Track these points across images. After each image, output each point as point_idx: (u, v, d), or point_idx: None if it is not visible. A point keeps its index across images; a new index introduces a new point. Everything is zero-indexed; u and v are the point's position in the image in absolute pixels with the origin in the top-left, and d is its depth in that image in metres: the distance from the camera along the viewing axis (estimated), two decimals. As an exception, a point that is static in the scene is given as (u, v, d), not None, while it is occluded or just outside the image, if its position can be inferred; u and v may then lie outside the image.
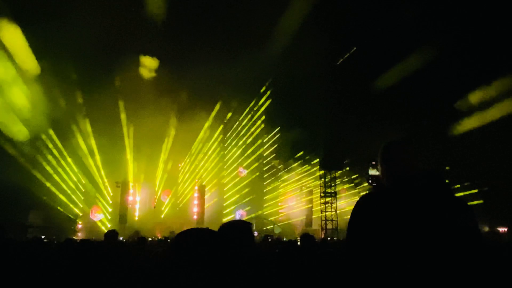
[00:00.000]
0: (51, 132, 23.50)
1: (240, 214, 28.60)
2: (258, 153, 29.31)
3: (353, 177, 26.82)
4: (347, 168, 26.24)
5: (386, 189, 1.94)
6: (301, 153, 28.36)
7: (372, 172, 18.98)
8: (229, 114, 29.39)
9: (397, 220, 1.74)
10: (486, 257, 2.18)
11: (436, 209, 1.79)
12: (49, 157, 23.39)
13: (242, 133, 29.35)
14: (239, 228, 2.23)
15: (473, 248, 2.04)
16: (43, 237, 14.74)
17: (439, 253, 1.67)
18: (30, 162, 22.09)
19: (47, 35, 19.08)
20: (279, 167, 29.73)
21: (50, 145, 23.56)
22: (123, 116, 25.63)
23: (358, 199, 1.91)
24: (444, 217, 1.78)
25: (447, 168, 21.76)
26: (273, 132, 29.53)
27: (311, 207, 27.62)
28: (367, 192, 2.04)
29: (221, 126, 29.46)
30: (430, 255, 1.66)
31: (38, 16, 18.98)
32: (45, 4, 18.69)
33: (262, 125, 29.24)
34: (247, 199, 28.61)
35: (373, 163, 14.94)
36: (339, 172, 25.79)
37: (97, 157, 25.58)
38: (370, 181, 18.95)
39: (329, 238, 19.93)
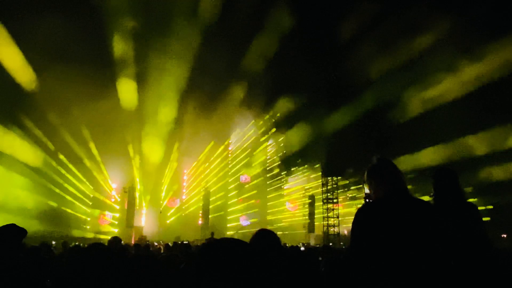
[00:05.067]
0: (61, 156, 24.34)
1: (244, 220, 29.11)
2: (263, 163, 29.98)
3: (352, 188, 27.24)
4: (349, 181, 26.60)
5: (382, 199, 2.13)
6: (305, 165, 28.85)
7: (368, 191, 19.44)
8: (233, 135, 30.12)
9: (397, 225, 1.91)
10: (488, 259, 2.52)
11: (432, 215, 1.99)
12: (56, 177, 24.10)
13: (247, 143, 30.06)
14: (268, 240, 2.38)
15: (475, 251, 2.35)
16: (54, 242, 15.32)
17: (439, 256, 1.85)
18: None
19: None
20: (282, 174, 30.27)
21: (59, 168, 24.34)
22: (128, 128, 26.07)
23: (359, 207, 2.13)
24: (441, 222, 1.96)
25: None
26: (279, 140, 30.16)
27: (314, 213, 27.94)
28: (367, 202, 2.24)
29: (228, 140, 30.20)
30: (429, 257, 1.83)
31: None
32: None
33: (267, 135, 30.08)
34: (253, 210, 29.20)
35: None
36: (343, 182, 26.29)
37: (102, 165, 26.34)
38: (367, 200, 19.19)
39: (331, 244, 20.26)
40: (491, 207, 22.41)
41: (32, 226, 19.64)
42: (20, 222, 3.03)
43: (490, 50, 19.07)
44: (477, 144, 21.09)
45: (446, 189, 2.86)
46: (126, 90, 24.12)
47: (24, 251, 2.93)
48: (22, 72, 20.51)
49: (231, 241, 1.33)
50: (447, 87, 20.38)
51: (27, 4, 19.08)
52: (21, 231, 3.07)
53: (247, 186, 29.68)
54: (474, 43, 18.87)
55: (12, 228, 3.05)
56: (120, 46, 22.75)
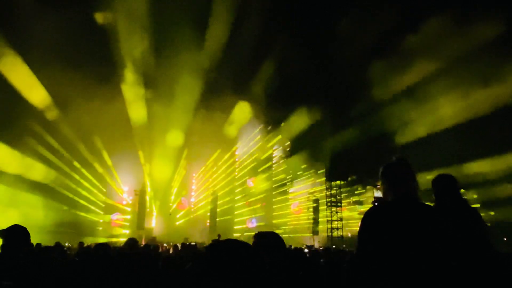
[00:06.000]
0: (75, 163, 25.36)
1: (252, 222, 29.88)
2: (269, 168, 30.74)
3: (356, 192, 27.74)
4: (350, 188, 27.14)
5: (389, 202, 2.13)
6: (310, 170, 29.47)
7: (377, 194, 20.28)
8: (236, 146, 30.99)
9: (398, 227, 1.94)
10: (491, 263, 2.55)
11: (437, 219, 2.00)
12: (71, 183, 25.17)
13: (254, 149, 30.84)
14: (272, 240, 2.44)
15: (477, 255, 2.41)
16: (67, 244, 16.22)
17: (441, 259, 1.86)
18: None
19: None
20: (288, 178, 31.01)
21: (73, 173, 25.42)
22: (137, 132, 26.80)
23: (366, 210, 2.14)
24: (444, 225, 1.96)
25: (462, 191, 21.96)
26: (285, 145, 30.92)
27: (318, 216, 28.52)
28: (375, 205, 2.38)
29: (235, 147, 31.03)
30: (431, 260, 1.85)
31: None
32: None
33: (273, 141, 30.92)
34: (259, 213, 29.97)
35: (378, 186, 15.57)
36: (347, 188, 26.92)
37: (114, 171, 27.37)
38: (374, 203, 19.77)
39: (334, 246, 20.81)
40: (492, 213, 22.74)
41: (50, 238, 20.67)
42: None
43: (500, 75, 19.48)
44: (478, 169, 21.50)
45: (445, 192, 2.93)
46: (137, 101, 25.16)
47: (25, 250, 3.11)
48: (34, 89, 21.43)
49: (234, 242, 1.35)
50: (456, 111, 20.74)
51: (38, 19, 19.54)
52: (24, 232, 3.14)
53: (253, 190, 30.46)
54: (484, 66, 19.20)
55: (16, 229, 3.14)
56: (132, 56, 23.79)
